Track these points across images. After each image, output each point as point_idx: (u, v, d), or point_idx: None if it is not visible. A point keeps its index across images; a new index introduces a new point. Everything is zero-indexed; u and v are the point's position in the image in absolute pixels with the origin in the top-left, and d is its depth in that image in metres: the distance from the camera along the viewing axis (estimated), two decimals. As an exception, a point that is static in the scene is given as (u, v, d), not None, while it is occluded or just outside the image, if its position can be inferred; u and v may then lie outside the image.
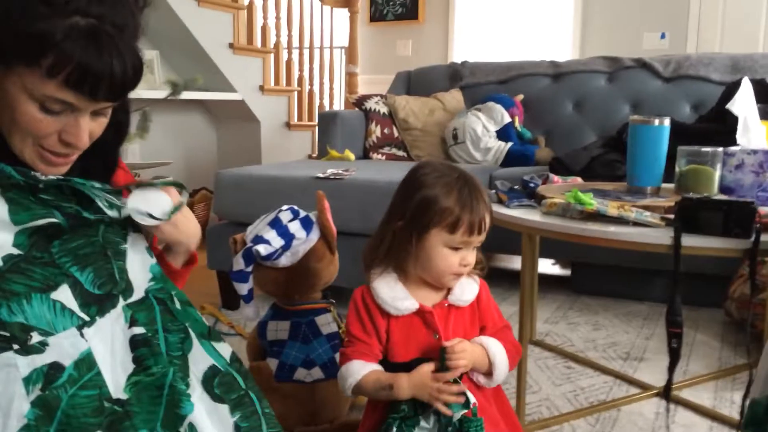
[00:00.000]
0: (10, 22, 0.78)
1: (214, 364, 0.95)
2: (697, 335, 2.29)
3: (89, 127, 0.86)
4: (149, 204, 0.93)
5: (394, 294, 1.12)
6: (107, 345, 0.86)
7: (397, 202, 1.14)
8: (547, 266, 3.28)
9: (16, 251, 0.83)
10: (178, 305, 0.96)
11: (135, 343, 0.89)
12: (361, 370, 1.10)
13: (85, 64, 0.79)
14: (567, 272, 3.07)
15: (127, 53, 0.82)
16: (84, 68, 0.79)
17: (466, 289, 1.16)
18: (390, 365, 1.13)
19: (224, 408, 0.93)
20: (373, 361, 1.11)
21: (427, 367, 1.06)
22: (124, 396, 0.86)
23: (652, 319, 2.48)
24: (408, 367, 1.11)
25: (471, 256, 1.12)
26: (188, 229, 1.01)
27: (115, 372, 0.86)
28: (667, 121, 1.75)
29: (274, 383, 1.58)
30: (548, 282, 2.94)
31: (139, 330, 0.90)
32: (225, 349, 0.98)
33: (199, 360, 0.94)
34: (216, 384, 0.93)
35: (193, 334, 0.95)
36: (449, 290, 1.16)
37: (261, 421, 0.96)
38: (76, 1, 0.79)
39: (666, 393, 1.42)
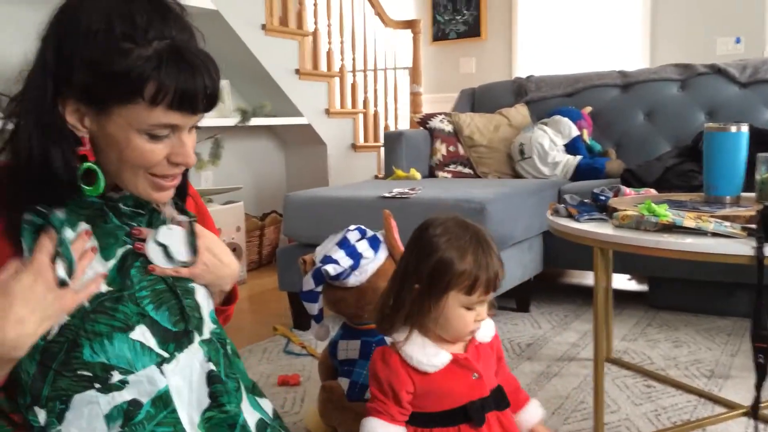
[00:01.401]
0: (100, 68, 0.81)
1: (262, 417, 0.98)
2: (788, 351, 2.16)
3: (190, 143, 0.90)
4: (172, 243, 0.95)
5: (426, 351, 1.12)
6: (186, 378, 0.89)
7: (411, 264, 1.13)
8: (622, 282, 3.18)
9: (104, 288, 0.86)
10: (230, 354, 0.99)
11: (211, 378, 0.91)
12: (375, 428, 1.12)
13: (183, 84, 0.83)
14: (644, 287, 2.97)
15: (209, 63, 0.86)
16: (183, 88, 0.83)
17: (487, 326, 1.19)
18: (432, 416, 1.13)
19: None
20: (389, 421, 1.12)
21: None
22: None
23: (737, 334, 2.37)
24: (462, 412, 1.13)
25: (484, 311, 1.13)
26: (219, 270, 1.01)
27: (191, 407, 0.88)
28: (745, 128, 1.68)
29: (346, 402, 1.59)
30: (624, 298, 2.85)
31: (212, 367, 0.92)
32: (267, 404, 1.01)
33: (248, 411, 0.96)
34: None
35: (242, 385, 0.97)
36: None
37: None
38: (153, 29, 0.83)
39: (754, 411, 1.35)
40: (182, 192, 1.02)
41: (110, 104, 0.83)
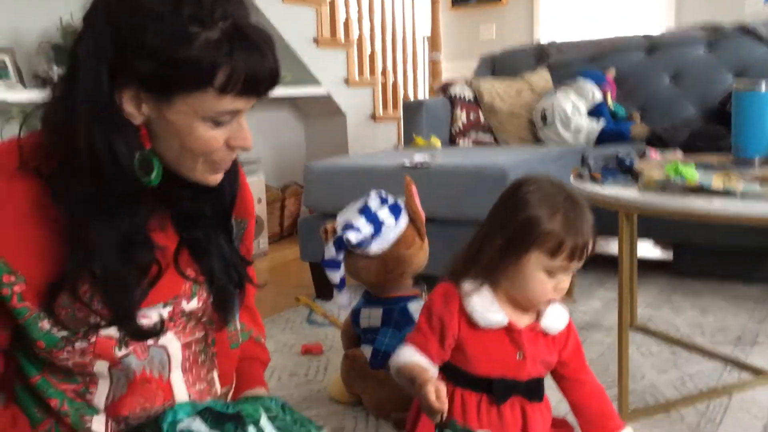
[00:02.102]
0: (166, 55, 0.76)
1: None
2: (818, 317, 2.13)
3: (246, 124, 0.87)
4: None
5: (487, 305, 1.10)
6: None
7: (498, 218, 1.11)
8: (647, 249, 3.14)
9: None
10: None
11: None
12: (409, 356, 1.10)
13: (253, 69, 0.79)
14: (668, 255, 2.93)
15: (270, 42, 0.82)
16: (253, 73, 0.79)
17: (559, 318, 1.14)
18: (462, 374, 1.12)
19: None
20: (425, 355, 1.10)
21: (432, 387, 1.00)
22: None
23: (765, 301, 2.33)
24: (488, 384, 1.10)
25: (567, 282, 1.09)
26: None
27: None
28: (775, 87, 1.62)
29: (369, 370, 1.59)
30: (648, 266, 2.81)
31: None
32: None
33: None
34: None
35: None
36: (539, 313, 1.13)
37: None
38: (218, 8, 0.78)
39: (784, 377, 1.32)
40: (236, 187, 0.98)
41: (175, 92, 0.78)
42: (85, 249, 0.80)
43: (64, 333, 0.83)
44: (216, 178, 0.88)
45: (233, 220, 0.99)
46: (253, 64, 0.78)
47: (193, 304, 0.92)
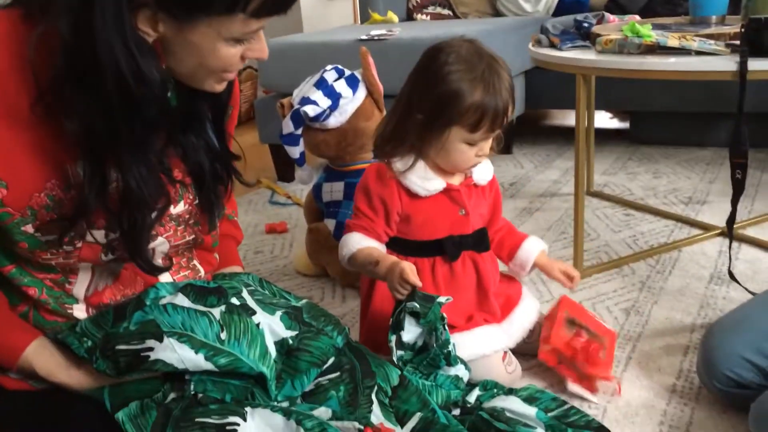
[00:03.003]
0: None
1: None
2: (763, 176, 2.21)
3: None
4: None
5: (424, 175, 1.11)
6: None
7: (416, 92, 1.08)
8: (604, 120, 3.18)
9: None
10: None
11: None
12: (359, 242, 1.12)
13: None
14: (625, 125, 2.97)
15: None
16: None
17: (486, 169, 1.18)
18: (411, 243, 1.14)
19: None
20: (374, 237, 1.12)
21: (405, 266, 1.03)
22: None
23: (716, 163, 2.40)
24: (438, 245, 1.13)
25: (487, 146, 1.09)
26: None
27: None
28: (734, -59, 1.59)
29: (333, 242, 1.62)
30: (606, 135, 2.85)
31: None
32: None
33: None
34: None
35: None
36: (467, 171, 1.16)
37: None
38: None
39: (729, 226, 1.39)
40: (232, 86, 0.93)
41: (200, 15, 0.73)
42: (102, 174, 0.77)
43: (49, 237, 0.81)
44: (223, 86, 0.85)
45: None
46: None
47: (179, 208, 0.90)
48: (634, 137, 2.75)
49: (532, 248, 1.24)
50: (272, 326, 0.91)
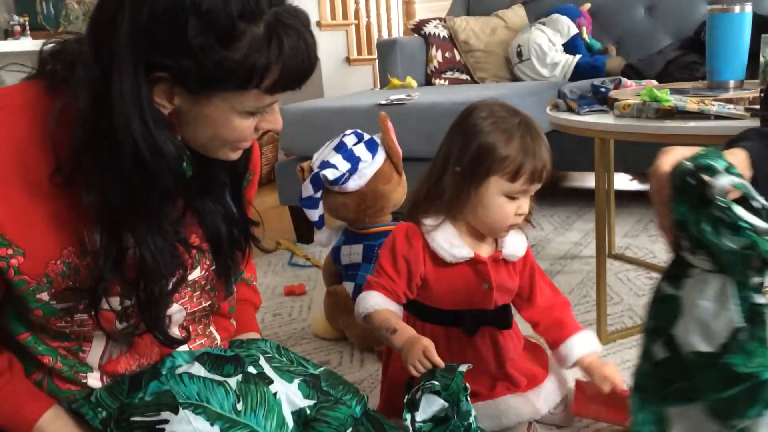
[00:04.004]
0: (210, 55, 0.70)
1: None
2: (790, 239, 2.17)
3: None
4: None
5: (452, 241, 1.09)
6: None
7: (454, 148, 1.09)
8: (624, 182, 3.17)
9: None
10: None
11: None
12: (378, 303, 1.09)
13: (300, 65, 0.75)
14: (645, 187, 2.96)
15: (309, 24, 0.77)
16: (300, 73, 0.76)
17: (519, 245, 1.15)
18: (430, 310, 1.12)
19: None
20: (393, 299, 1.10)
21: (428, 343, 1.00)
22: None
23: (739, 226, 2.37)
24: (456, 316, 1.11)
25: (527, 205, 1.08)
26: None
27: None
28: (748, 7, 1.62)
29: (352, 305, 1.60)
30: (626, 197, 2.84)
31: None
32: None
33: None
34: None
35: None
36: (498, 243, 1.14)
37: None
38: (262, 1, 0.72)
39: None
40: (250, 153, 0.94)
41: (216, 91, 0.74)
42: (118, 243, 0.77)
43: (64, 305, 0.81)
44: (238, 155, 0.85)
45: None
46: (301, 60, 0.74)
47: (196, 274, 0.90)
48: (654, 199, 2.73)
49: (577, 348, 1.14)
50: (290, 395, 0.89)
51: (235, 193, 0.92)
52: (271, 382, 0.88)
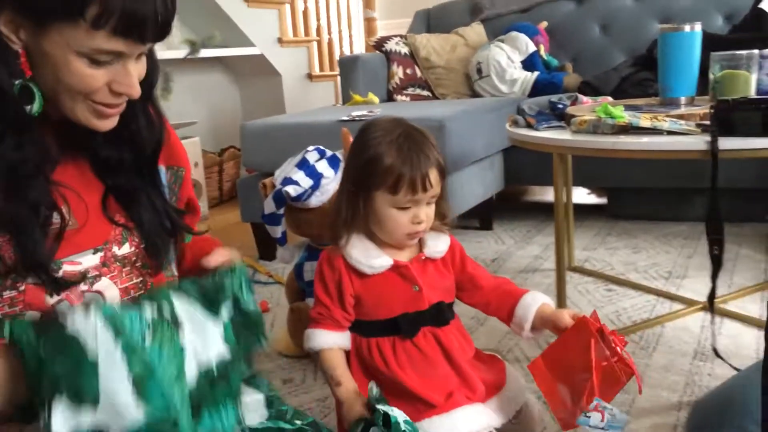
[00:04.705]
0: None
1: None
2: (741, 249, 2.24)
3: (136, 73, 0.83)
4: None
5: (367, 253, 1.09)
6: None
7: (346, 167, 1.12)
8: (582, 196, 3.23)
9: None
10: None
11: None
12: (323, 341, 1.09)
13: (131, 9, 0.75)
14: (603, 200, 3.02)
15: None
16: (130, 14, 0.75)
17: (439, 241, 1.15)
18: (370, 324, 1.12)
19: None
20: (337, 329, 1.10)
21: (361, 409, 1.01)
22: None
23: (693, 237, 2.44)
24: (394, 323, 1.11)
25: (423, 213, 1.08)
26: None
27: None
28: (698, 27, 1.68)
29: (314, 322, 1.60)
30: (584, 211, 2.89)
31: None
32: None
33: None
34: None
35: None
36: (420, 244, 1.14)
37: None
38: None
39: (710, 302, 1.40)
40: (159, 138, 0.93)
41: (48, 20, 0.76)
42: None
43: None
44: (104, 124, 0.84)
45: (166, 167, 0.97)
46: (131, 4, 0.75)
47: (125, 249, 0.89)
48: (612, 212, 2.80)
49: (532, 302, 1.13)
50: (198, 350, 0.83)
51: (151, 180, 0.93)
52: (181, 328, 0.82)
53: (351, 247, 1.10)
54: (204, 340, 0.83)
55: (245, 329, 0.88)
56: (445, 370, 1.15)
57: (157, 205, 0.93)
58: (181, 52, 3.21)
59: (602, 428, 1.01)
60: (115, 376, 0.72)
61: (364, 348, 1.11)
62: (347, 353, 1.12)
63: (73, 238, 0.84)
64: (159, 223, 0.92)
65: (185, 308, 0.83)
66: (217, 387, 0.83)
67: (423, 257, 1.14)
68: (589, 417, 1.01)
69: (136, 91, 0.82)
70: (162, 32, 0.80)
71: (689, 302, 1.84)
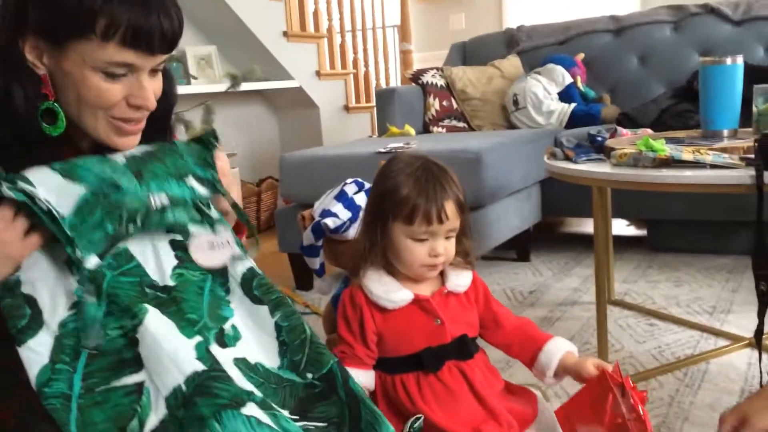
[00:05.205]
0: (53, 4, 0.81)
1: (252, 266, 0.96)
2: (788, 285, 2.18)
3: (151, 87, 0.89)
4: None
5: (386, 287, 1.09)
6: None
7: (368, 200, 1.13)
8: (621, 228, 3.19)
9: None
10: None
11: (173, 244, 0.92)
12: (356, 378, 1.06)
13: (135, 20, 0.82)
14: (643, 232, 2.98)
15: (168, 3, 0.85)
16: (136, 25, 0.82)
17: (462, 276, 1.14)
18: (394, 361, 1.11)
19: (264, 309, 0.94)
20: (361, 366, 1.09)
21: None
22: (170, 282, 0.88)
23: (738, 271, 2.38)
24: (417, 359, 1.10)
25: (441, 247, 1.07)
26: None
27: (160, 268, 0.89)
28: (740, 59, 1.66)
29: (352, 354, 1.60)
30: (624, 243, 2.85)
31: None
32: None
33: (237, 263, 0.95)
34: (255, 286, 0.95)
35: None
36: (442, 278, 1.13)
37: (301, 320, 0.96)
38: None
39: (757, 340, 1.36)
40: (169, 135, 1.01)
41: (65, 40, 0.82)
42: None
43: None
44: (124, 142, 0.90)
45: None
46: (137, 16, 0.82)
47: None
48: (652, 245, 2.75)
49: (556, 350, 1.12)
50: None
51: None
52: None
53: (368, 280, 1.09)
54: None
55: (193, 143, 0.97)
56: (471, 405, 1.13)
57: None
58: (222, 86, 3.29)
59: None
60: (44, 175, 0.81)
61: (389, 385, 1.09)
62: (373, 393, 1.11)
63: None
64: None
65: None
66: (154, 167, 0.89)
67: (445, 291, 1.13)
68: None
69: (152, 103, 0.88)
70: (169, 44, 0.86)
71: (735, 338, 1.79)
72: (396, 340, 1.10)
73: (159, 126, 0.97)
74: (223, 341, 0.88)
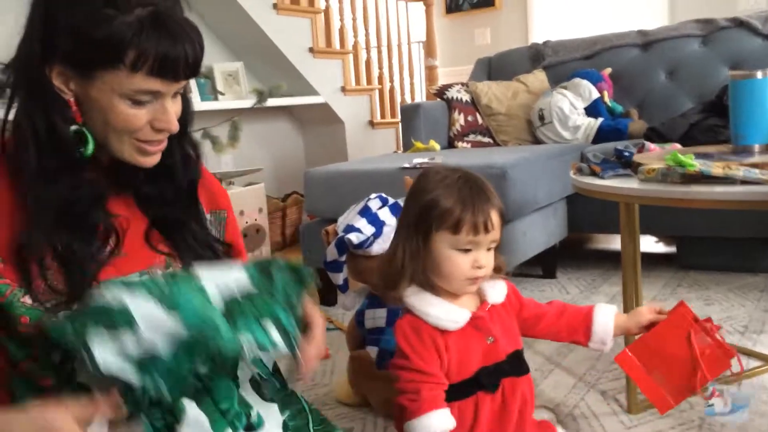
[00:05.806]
0: (82, 34, 0.83)
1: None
2: (824, 304, 2.12)
3: (173, 110, 0.91)
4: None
5: (441, 307, 1.06)
6: None
7: (404, 213, 1.12)
8: (649, 244, 3.14)
9: None
10: None
11: None
12: (442, 425, 1.03)
13: (163, 50, 0.84)
14: (672, 249, 2.93)
15: (191, 31, 0.87)
16: (163, 56, 0.84)
17: (497, 286, 1.13)
18: (458, 387, 1.07)
19: (274, 406, 0.95)
20: (440, 404, 1.04)
21: None
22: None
23: (771, 290, 2.32)
24: (476, 380, 1.08)
25: (484, 258, 1.06)
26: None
27: None
28: (771, 73, 1.62)
29: (375, 371, 1.59)
30: (652, 260, 2.80)
31: None
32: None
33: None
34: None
35: None
36: (480, 293, 1.12)
37: (308, 418, 0.98)
38: None
39: (793, 361, 1.32)
40: (194, 174, 1.02)
41: (93, 69, 0.85)
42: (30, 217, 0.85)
43: (47, 305, 0.85)
44: (147, 161, 0.93)
45: (209, 212, 1.05)
46: (164, 47, 0.84)
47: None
48: (682, 262, 2.70)
49: (606, 318, 1.15)
50: (219, 285, 0.87)
51: (194, 216, 1.01)
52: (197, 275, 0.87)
53: (418, 302, 1.07)
54: (222, 272, 0.88)
55: (288, 272, 0.92)
56: (514, 424, 1.11)
57: (198, 235, 1.00)
58: (249, 102, 3.32)
59: (729, 412, 1.06)
60: (144, 308, 0.78)
61: (452, 412, 1.05)
62: None
63: (118, 264, 0.91)
64: (199, 254, 0.98)
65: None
66: (243, 306, 0.85)
67: (488, 306, 1.11)
68: (712, 405, 1.10)
69: (175, 126, 0.91)
70: (193, 70, 0.88)
71: (767, 359, 1.74)
72: (457, 363, 1.07)
73: (177, 140, 0.98)
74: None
